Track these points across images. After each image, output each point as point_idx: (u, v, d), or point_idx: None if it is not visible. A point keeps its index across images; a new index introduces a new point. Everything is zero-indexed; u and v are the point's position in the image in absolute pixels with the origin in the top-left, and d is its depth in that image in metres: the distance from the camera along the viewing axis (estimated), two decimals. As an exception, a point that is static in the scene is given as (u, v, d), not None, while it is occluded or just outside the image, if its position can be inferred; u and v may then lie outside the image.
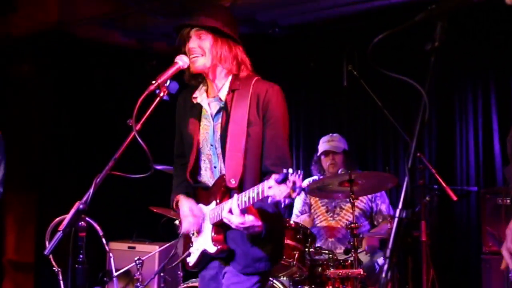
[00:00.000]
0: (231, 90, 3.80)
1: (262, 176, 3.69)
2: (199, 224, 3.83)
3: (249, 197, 3.35)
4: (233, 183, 3.64)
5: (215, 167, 3.82)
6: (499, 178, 7.20)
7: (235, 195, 3.47)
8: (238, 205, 3.43)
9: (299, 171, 3.09)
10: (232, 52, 3.80)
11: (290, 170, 3.08)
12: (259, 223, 3.54)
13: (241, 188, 3.63)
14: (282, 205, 3.20)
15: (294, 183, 3.07)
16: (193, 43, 3.77)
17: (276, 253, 3.86)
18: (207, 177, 3.88)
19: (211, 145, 3.82)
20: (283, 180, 3.08)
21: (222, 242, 3.73)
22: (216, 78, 3.85)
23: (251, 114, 3.72)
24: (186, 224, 3.83)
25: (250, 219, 3.48)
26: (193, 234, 3.89)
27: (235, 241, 3.74)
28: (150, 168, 3.37)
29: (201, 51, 3.76)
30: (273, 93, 3.77)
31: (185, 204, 3.87)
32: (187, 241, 3.97)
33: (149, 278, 6.30)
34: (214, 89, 3.88)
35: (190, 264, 3.92)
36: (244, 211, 3.45)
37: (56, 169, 8.56)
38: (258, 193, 3.26)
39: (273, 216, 3.69)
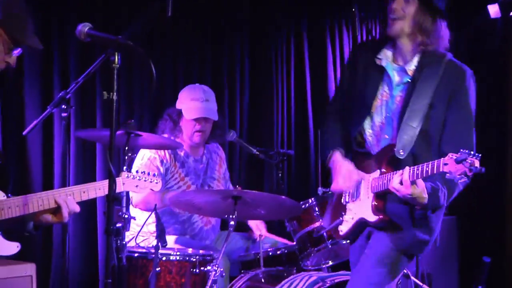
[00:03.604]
0: (420, 66, 3.67)
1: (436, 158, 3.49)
2: (355, 189, 3.79)
3: (422, 170, 3.34)
4: (401, 153, 3.58)
5: (386, 137, 3.73)
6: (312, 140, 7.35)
7: (407, 167, 3.42)
8: (410, 176, 3.39)
9: (478, 154, 3.15)
10: (434, 25, 3.65)
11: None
12: (425, 196, 3.47)
13: (409, 163, 3.53)
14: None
15: (471, 163, 3.12)
16: (397, 4, 3.66)
17: (430, 242, 3.77)
18: (372, 144, 3.79)
19: (387, 115, 3.73)
20: (462, 161, 3.13)
21: (384, 212, 3.65)
22: (408, 47, 3.71)
23: (437, 94, 3.61)
24: (342, 182, 3.76)
25: (418, 191, 3.42)
26: (347, 201, 3.84)
27: (402, 219, 3.68)
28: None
29: (403, 14, 3.65)
30: (464, 76, 3.65)
31: (344, 164, 3.79)
32: (338, 210, 3.91)
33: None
34: (402, 57, 3.75)
35: (342, 233, 3.85)
36: (413, 183, 3.41)
37: None
38: (433, 167, 3.28)
39: (439, 200, 3.58)
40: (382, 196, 3.64)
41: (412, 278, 5.15)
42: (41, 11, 5.77)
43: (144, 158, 5.22)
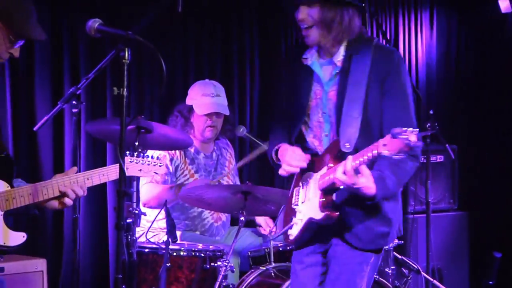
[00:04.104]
0: (348, 54, 3.57)
1: None
2: (304, 191, 3.64)
3: (363, 156, 3.25)
4: (347, 146, 3.45)
5: (326, 136, 3.64)
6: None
7: (349, 156, 3.31)
8: (352, 165, 3.27)
9: (415, 129, 3.05)
10: (343, 15, 3.54)
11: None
12: (372, 185, 3.35)
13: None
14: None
15: (408, 137, 3.02)
16: (302, 14, 3.53)
17: (396, 230, 3.69)
18: (315, 145, 3.69)
19: (324, 112, 3.64)
20: (396, 134, 3.04)
21: (331, 208, 3.47)
22: (329, 42, 3.59)
23: (370, 80, 3.52)
24: (289, 161, 3.62)
25: (362, 180, 3.30)
26: (297, 204, 3.68)
27: (354, 215, 3.55)
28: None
29: (312, 20, 3.53)
30: (393, 59, 3.58)
31: (290, 147, 3.66)
32: (289, 214, 3.75)
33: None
34: (328, 51, 3.64)
35: (292, 237, 3.67)
36: (357, 172, 3.30)
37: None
38: (373, 151, 3.19)
39: (388, 189, 3.47)
40: (330, 192, 3.49)
41: (423, 273, 5.15)
42: (51, 7, 5.78)
43: (154, 155, 5.23)
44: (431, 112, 5.79)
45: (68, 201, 3.41)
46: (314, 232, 3.64)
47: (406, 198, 6.86)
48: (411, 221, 6.74)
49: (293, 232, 3.65)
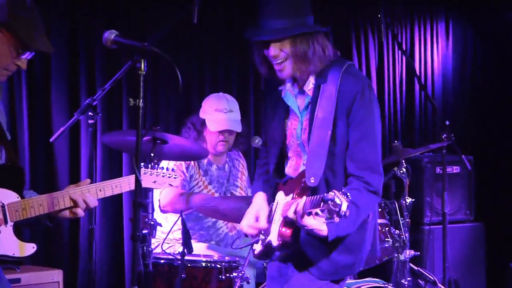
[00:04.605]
0: (317, 83, 3.50)
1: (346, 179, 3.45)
2: (273, 209, 3.61)
3: (312, 202, 3.20)
4: (312, 181, 3.38)
5: (304, 165, 3.53)
6: None
7: (305, 197, 3.27)
8: (302, 207, 3.24)
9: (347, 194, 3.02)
10: (313, 46, 3.47)
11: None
12: (324, 227, 3.28)
13: (323, 189, 3.39)
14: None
15: (333, 204, 3.00)
16: (274, 50, 3.47)
17: (365, 255, 3.59)
18: (291, 175, 3.63)
19: (298, 142, 3.58)
20: (326, 201, 3.03)
21: (288, 238, 3.44)
22: (301, 72, 3.52)
23: (337, 111, 3.42)
24: (244, 220, 3.67)
25: (311, 222, 3.25)
26: (270, 221, 3.61)
27: (316, 246, 3.45)
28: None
29: (285, 55, 3.47)
30: (358, 88, 3.43)
31: (254, 202, 3.69)
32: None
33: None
34: (301, 81, 3.57)
35: (255, 252, 3.68)
36: (309, 214, 3.25)
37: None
38: (315, 203, 3.15)
39: (343, 230, 3.38)
40: (291, 223, 3.41)
41: (439, 285, 5.13)
42: (68, 19, 5.82)
43: (170, 163, 5.24)
44: (447, 123, 5.77)
45: (79, 211, 3.41)
46: (275, 253, 3.63)
47: (422, 209, 6.84)
48: (427, 233, 6.71)
49: (257, 248, 3.67)
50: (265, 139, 3.91)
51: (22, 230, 3.45)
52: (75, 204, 3.39)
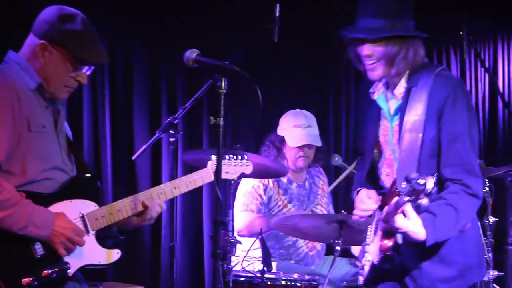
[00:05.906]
0: (408, 87, 3.41)
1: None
2: (373, 230, 3.48)
3: (398, 201, 3.08)
4: (403, 186, 3.07)
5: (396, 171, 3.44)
6: None
7: (396, 197, 3.13)
8: (391, 207, 3.14)
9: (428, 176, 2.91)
10: (407, 50, 3.42)
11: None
12: (421, 230, 3.13)
13: None
14: None
15: (417, 181, 2.89)
16: (367, 50, 3.37)
17: (460, 277, 3.37)
18: (388, 183, 3.50)
19: (391, 148, 3.47)
20: (410, 180, 2.91)
21: (389, 250, 3.26)
22: (393, 74, 3.44)
23: (428, 115, 3.31)
24: (358, 206, 3.51)
25: (407, 224, 3.11)
26: (367, 243, 3.50)
27: (411, 257, 3.33)
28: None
29: (378, 56, 3.41)
30: (451, 91, 3.31)
31: (361, 192, 3.54)
32: (363, 252, 3.58)
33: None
34: (393, 83, 3.48)
35: (360, 281, 3.53)
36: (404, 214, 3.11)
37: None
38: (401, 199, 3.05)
39: (444, 233, 3.23)
40: (390, 234, 3.26)
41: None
42: (150, 40, 5.93)
43: (248, 186, 5.25)
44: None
45: (149, 217, 3.45)
46: (381, 274, 3.46)
47: (506, 229, 6.69)
48: (511, 253, 6.56)
49: (364, 273, 3.51)
50: (362, 148, 3.75)
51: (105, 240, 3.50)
52: (146, 208, 3.43)
